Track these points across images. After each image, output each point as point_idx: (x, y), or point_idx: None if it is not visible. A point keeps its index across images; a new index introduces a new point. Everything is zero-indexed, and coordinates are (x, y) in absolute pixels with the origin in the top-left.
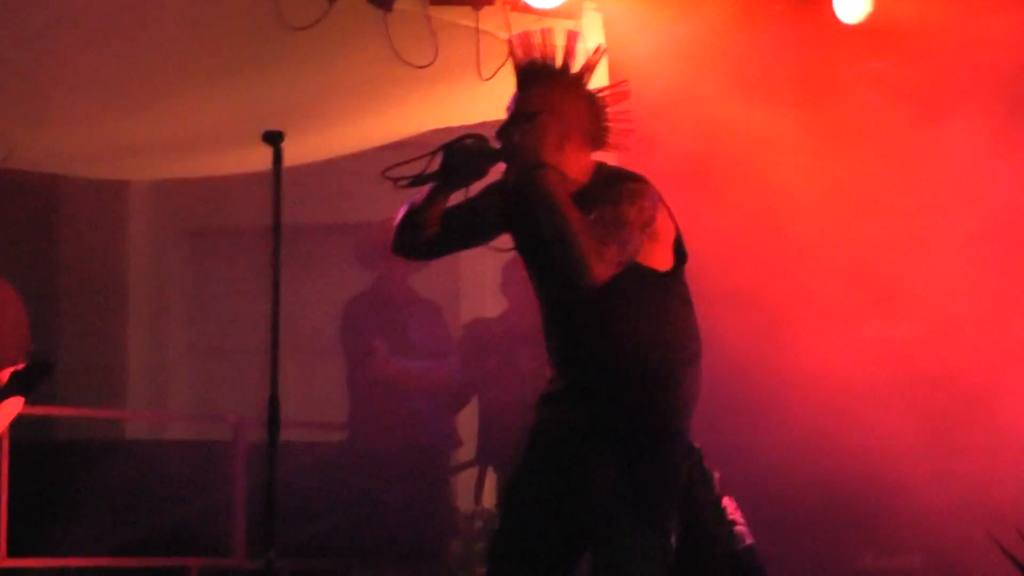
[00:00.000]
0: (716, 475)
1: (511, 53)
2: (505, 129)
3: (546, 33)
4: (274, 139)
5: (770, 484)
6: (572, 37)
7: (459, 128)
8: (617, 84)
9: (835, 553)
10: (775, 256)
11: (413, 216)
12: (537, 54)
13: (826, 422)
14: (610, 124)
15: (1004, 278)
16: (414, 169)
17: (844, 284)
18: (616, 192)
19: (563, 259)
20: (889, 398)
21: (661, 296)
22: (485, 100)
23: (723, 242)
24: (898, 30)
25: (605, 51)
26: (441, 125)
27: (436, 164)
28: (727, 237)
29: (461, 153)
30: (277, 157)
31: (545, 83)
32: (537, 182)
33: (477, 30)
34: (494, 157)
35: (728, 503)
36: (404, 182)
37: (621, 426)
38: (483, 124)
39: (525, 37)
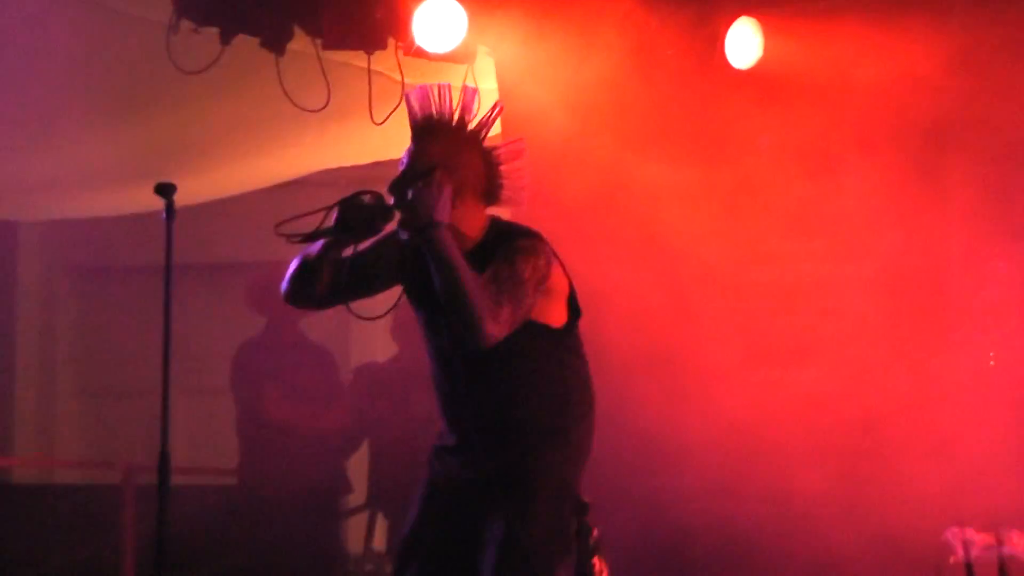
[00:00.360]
0: (595, 532)
1: (407, 106)
2: (398, 184)
3: (443, 89)
4: (166, 191)
5: (677, 531)
6: (470, 94)
7: (351, 168)
8: (512, 142)
9: None
10: (676, 306)
11: (305, 268)
12: (433, 109)
13: (736, 469)
14: (505, 181)
15: (904, 320)
16: (309, 223)
17: (746, 332)
18: (510, 249)
19: (457, 319)
20: (798, 444)
21: (554, 351)
22: (377, 141)
23: (623, 294)
24: (788, 76)
25: (502, 109)
26: (333, 165)
27: (331, 219)
28: (626, 288)
29: (356, 209)
30: (169, 209)
31: (441, 138)
32: (431, 241)
33: (369, 72)
34: (390, 214)
35: (598, 563)
36: (297, 238)
37: (511, 481)
38: (376, 164)
39: (422, 91)
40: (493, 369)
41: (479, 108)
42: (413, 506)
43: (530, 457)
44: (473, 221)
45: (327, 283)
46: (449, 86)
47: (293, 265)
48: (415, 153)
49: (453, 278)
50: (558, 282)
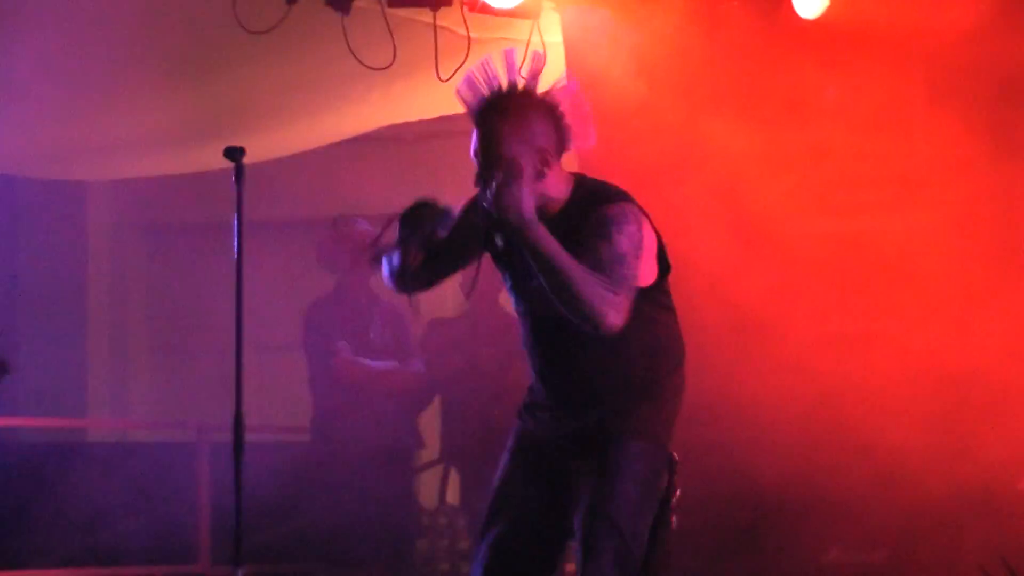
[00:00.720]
0: (677, 492)
1: (462, 102)
2: (483, 188)
3: (484, 64)
4: (235, 155)
5: (741, 481)
6: (508, 55)
7: (417, 123)
8: (563, 86)
9: (800, 548)
10: (750, 258)
11: (396, 270)
12: (484, 88)
13: (826, 426)
14: (570, 124)
15: (981, 272)
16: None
17: (823, 281)
18: (601, 222)
19: (576, 315)
20: (884, 394)
21: (645, 307)
22: (443, 95)
23: (702, 256)
24: (856, 27)
25: (544, 55)
26: (400, 120)
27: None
28: (705, 250)
29: (413, 220)
30: (239, 173)
31: (502, 113)
32: (526, 243)
33: (436, 28)
34: (447, 217)
35: (674, 521)
36: (375, 263)
37: (605, 437)
38: (442, 118)
39: (468, 80)
40: (583, 331)
41: (541, 67)
42: (503, 459)
43: (624, 412)
44: (557, 182)
45: (424, 270)
46: (488, 59)
47: (384, 271)
48: (483, 138)
49: (560, 280)
50: (649, 241)
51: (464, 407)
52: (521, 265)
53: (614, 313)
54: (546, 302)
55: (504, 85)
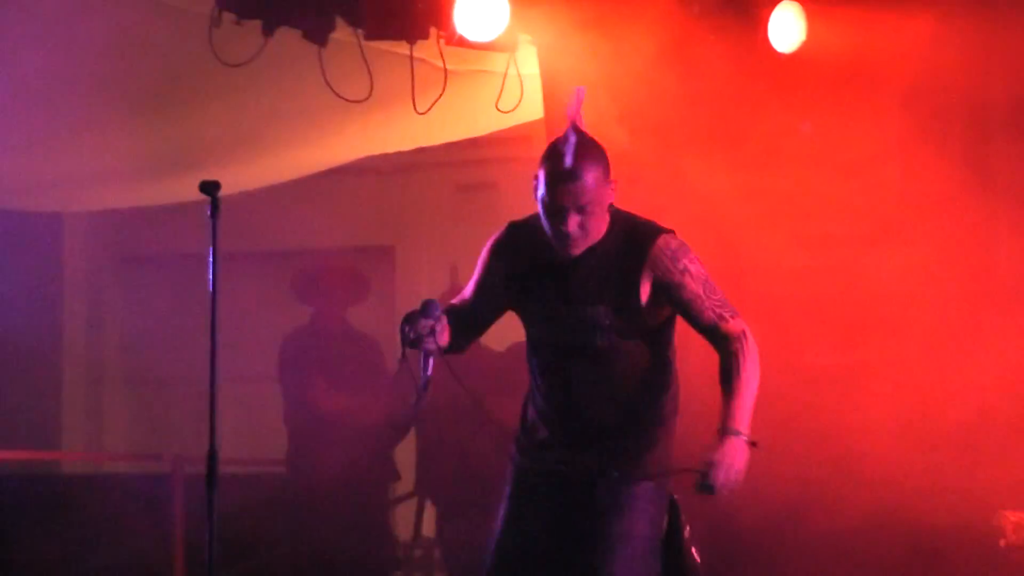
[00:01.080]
0: (687, 529)
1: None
2: (556, 227)
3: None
4: (210, 189)
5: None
6: (579, 94)
7: (395, 155)
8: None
9: None
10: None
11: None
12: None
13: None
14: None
15: (954, 306)
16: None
17: (801, 315)
18: (671, 257)
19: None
20: (865, 429)
21: (658, 345)
22: (420, 127)
23: None
24: (832, 61)
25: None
26: (377, 152)
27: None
28: None
29: (408, 333)
30: (214, 206)
31: (595, 159)
32: None
33: (412, 60)
34: (431, 310)
35: (696, 555)
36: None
37: (615, 476)
38: (419, 150)
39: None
40: (610, 365)
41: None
42: (504, 505)
43: (631, 452)
44: (605, 219)
45: (461, 336)
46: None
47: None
48: (576, 184)
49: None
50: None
51: (440, 440)
52: (553, 295)
53: (743, 338)
54: (574, 331)
55: (582, 128)
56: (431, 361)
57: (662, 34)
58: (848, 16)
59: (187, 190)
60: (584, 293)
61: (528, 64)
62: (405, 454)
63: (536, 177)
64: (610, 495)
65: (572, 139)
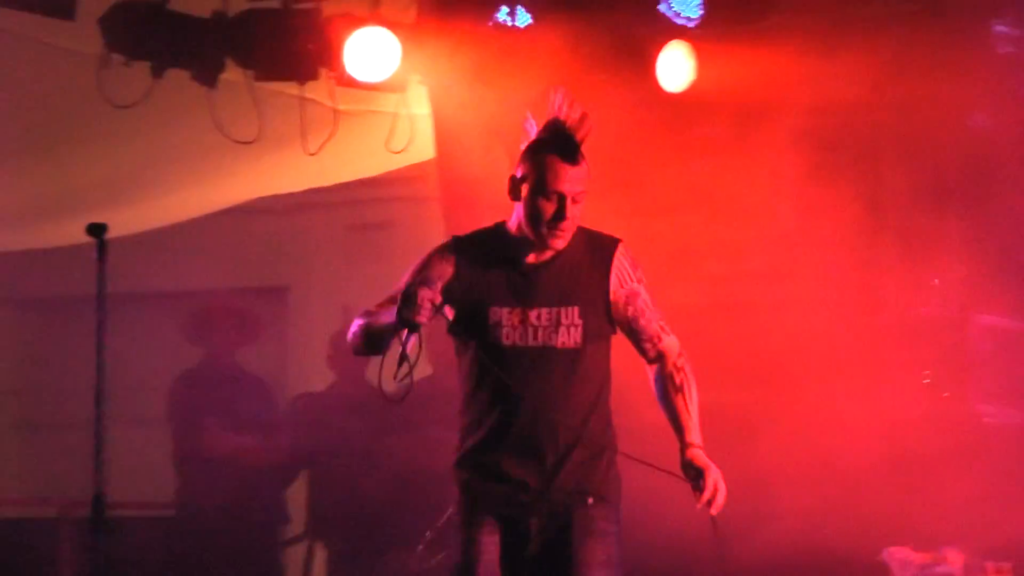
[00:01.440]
0: None
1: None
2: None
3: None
4: (97, 231)
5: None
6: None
7: (286, 195)
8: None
9: None
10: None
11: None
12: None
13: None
14: None
15: (843, 339)
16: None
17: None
18: (631, 264)
19: None
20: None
21: (607, 358)
22: (312, 167)
23: None
24: (721, 100)
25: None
26: (268, 193)
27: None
28: None
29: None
30: (101, 248)
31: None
32: None
33: (301, 102)
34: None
35: None
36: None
37: (569, 499)
38: (311, 191)
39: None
40: (574, 368)
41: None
42: (462, 535)
43: (586, 469)
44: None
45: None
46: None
47: (359, 339)
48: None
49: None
50: None
51: (331, 481)
52: (523, 296)
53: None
54: (544, 332)
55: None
56: (413, 338)
57: (552, 76)
58: (737, 55)
59: (77, 233)
60: (558, 293)
61: (419, 104)
62: (296, 495)
63: (524, 167)
64: (586, 520)
65: (566, 132)
